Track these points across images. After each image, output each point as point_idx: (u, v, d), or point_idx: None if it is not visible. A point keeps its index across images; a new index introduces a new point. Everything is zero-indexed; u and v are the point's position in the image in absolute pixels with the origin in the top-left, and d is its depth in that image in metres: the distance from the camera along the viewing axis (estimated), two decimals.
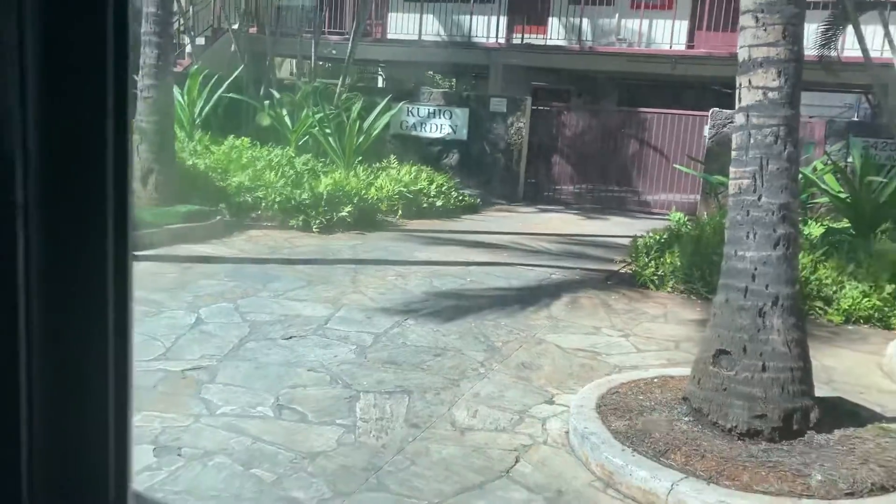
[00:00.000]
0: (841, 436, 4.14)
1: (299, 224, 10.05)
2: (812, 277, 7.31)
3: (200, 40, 17.54)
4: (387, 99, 14.41)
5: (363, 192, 11.21)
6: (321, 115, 13.60)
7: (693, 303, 7.59)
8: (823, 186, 9.66)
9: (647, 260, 8.18)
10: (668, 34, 16.07)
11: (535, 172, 15.26)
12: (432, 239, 10.23)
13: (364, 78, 20.63)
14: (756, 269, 4.25)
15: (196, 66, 14.30)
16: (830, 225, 9.43)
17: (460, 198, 13.09)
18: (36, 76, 0.68)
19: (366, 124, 13.63)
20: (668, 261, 8.01)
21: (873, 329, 7.03)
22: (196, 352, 5.27)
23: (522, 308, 6.97)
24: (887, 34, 10.78)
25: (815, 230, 8.97)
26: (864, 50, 10.42)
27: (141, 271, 7.34)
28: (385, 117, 14.03)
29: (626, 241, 9.44)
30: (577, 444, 4.17)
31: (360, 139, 13.44)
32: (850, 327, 7.06)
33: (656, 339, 6.34)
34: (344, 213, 10.34)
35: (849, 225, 9.25)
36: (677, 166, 13.38)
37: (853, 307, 7.11)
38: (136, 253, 8.09)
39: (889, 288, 7.18)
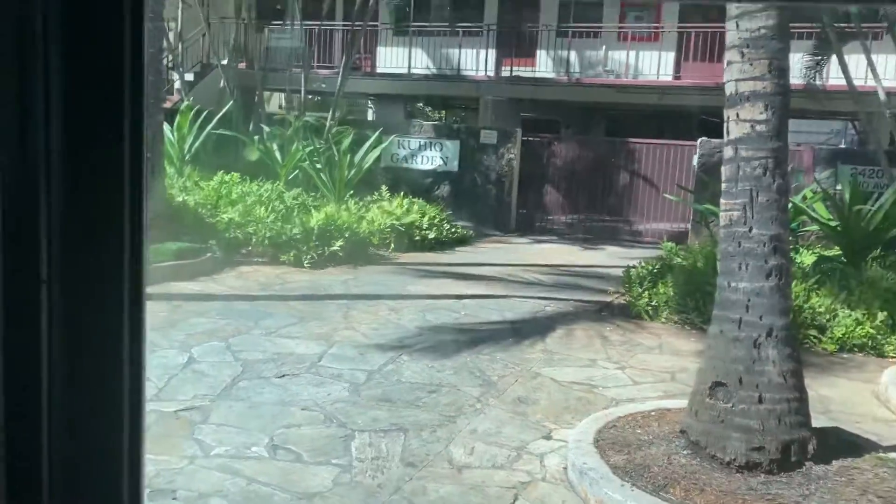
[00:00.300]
0: (839, 467, 4.12)
1: (290, 259, 10.03)
2: (805, 306, 7.33)
3: (189, 76, 17.63)
4: (377, 132, 14.48)
5: (355, 225, 11.20)
6: (311, 148, 13.64)
7: (688, 333, 7.58)
8: (814, 215, 9.73)
9: (640, 290, 8.19)
10: (655, 65, 16.28)
11: (526, 203, 15.33)
12: (425, 272, 10.22)
13: (354, 111, 20.75)
14: (749, 300, 4.26)
15: (186, 103, 14.36)
16: (822, 253, 9.48)
17: (452, 230, 13.10)
18: (59, 175, 0.71)
19: (357, 157, 13.67)
20: (662, 291, 8.02)
21: (867, 357, 7.04)
22: (189, 392, 5.22)
23: (517, 341, 6.95)
24: (870, 63, 10.96)
25: (806, 258, 9.02)
26: (849, 79, 10.58)
27: None
28: (376, 150, 14.09)
29: (619, 272, 9.46)
30: (576, 479, 4.13)
31: (352, 172, 13.47)
32: (844, 355, 7.06)
33: (652, 371, 6.32)
34: (335, 248, 10.32)
35: (840, 252, 9.30)
36: (667, 195, 13.47)
37: (847, 335, 7.12)
38: None
39: (881, 315, 7.20)
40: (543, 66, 17.42)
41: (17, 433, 0.74)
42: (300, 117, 14.85)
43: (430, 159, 15.52)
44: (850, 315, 7.24)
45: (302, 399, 5.21)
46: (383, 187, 13.98)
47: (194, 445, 4.38)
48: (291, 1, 16.33)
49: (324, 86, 16.75)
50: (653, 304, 8.00)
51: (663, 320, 7.91)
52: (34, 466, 0.74)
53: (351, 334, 6.90)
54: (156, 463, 4.11)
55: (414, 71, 18.00)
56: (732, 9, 4.43)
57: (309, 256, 10.06)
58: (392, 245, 11.68)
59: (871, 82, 11.33)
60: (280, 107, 20.37)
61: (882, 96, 10.62)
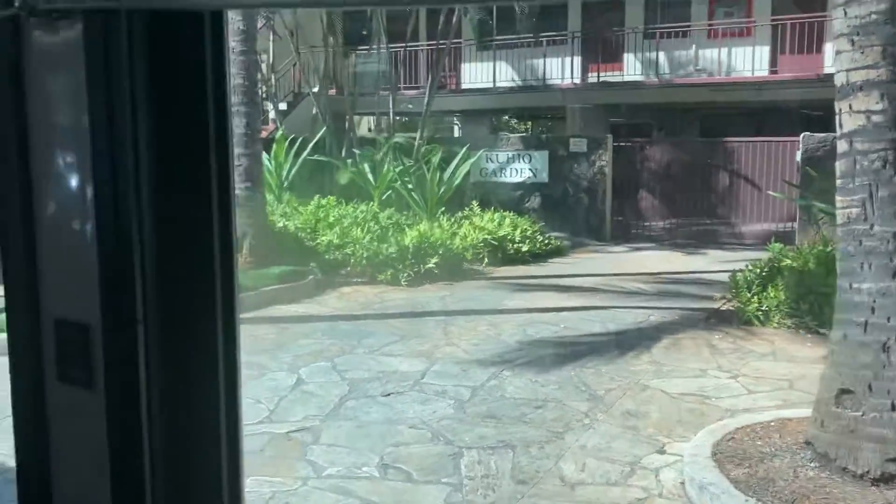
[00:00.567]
0: None
1: (388, 278, 10.15)
2: None
3: (283, 105, 18.23)
4: (465, 148, 14.55)
5: (448, 242, 11.25)
6: (402, 168, 13.82)
7: (803, 338, 7.22)
8: None
9: (749, 295, 7.86)
10: (749, 61, 15.74)
11: (621, 210, 15.04)
12: (521, 286, 10.15)
13: (441, 129, 20.95)
14: (875, 301, 4.00)
15: (281, 132, 14.84)
16: None
17: (546, 241, 12.98)
18: (150, 218, 0.73)
19: (446, 174, 13.77)
20: (773, 295, 7.67)
21: None
22: (299, 412, 5.33)
23: (622, 353, 6.78)
24: None
25: None
26: None
27: (242, 334, 7.51)
28: (465, 166, 14.15)
29: (723, 277, 9.11)
30: (695, 495, 3.97)
31: (442, 190, 13.57)
32: None
33: (767, 379, 6.03)
34: (431, 265, 10.39)
35: None
36: (772, 193, 12.93)
37: None
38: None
39: None
40: (631, 69, 17.12)
41: (121, 468, 0.75)
42: (390, 138, 15.08)
43: (520, 171, 15.46)
44: None
45: (408, 417, 5.23)
46: (474, 202, 14.02)
47: (307, 466, 4.46)
48: (376, 25, 16.66)
49: (411, 106, 16.98)
50: (763, 308, 7.66)
51: (775, 325, 7.56)
52: (138, 499, 0.75)
53: (452, 350, 6.90)
54: (271, 485, 4.20)
55: (499, 84, 18.02)
56: None
57: (405, 274, 10.16)
58: (486, 260, 11.67)
59: None
60: (369, 130, 20.78)
61: None
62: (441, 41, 15.75)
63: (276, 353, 6.79)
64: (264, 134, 15.61)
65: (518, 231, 12.58)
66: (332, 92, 17.66)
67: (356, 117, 17.98)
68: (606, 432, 4.94)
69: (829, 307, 4.32)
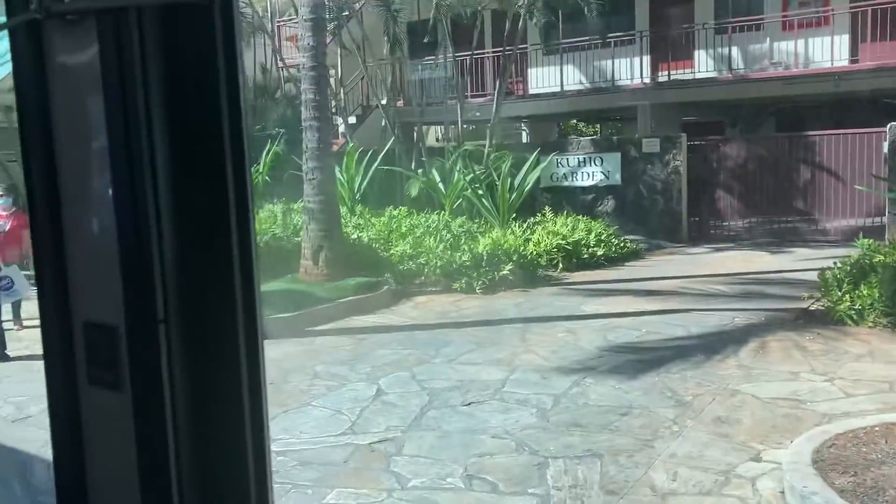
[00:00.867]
0: None
1: (462, 287, 10.12)
2: None
3: (352, 119, 18.47)
4: (535, 153, 14.43)
5: (521, 248, 11.17)
6: (472, 176, 13.81)
7: None
8: None
9: (840, 293, 7.51)
10: (828, 51, 15.12)
11: (697, 210, 14.64)
12: (598, 290, 9.97)
13: (509, 135, 20.85)
14: None
15: (351, 144, 15.02)
16: None
17: (621, 245, 12.74)
18: (170, 219, 0.74)
19: (517, 181, 13.69)
20: (866, 292, 7.31)
21: None
22: (381, 423, 5.33)
23: (708, 357, 6.56)
24: None
25: None
26: None
27: (320, 345, 7.62)
28: (535, 171, 14.05)
29: (808, 275, 8.75)
30: None
31: (513, 196, 13.50)
32: None
33: (866, 382, 5.73)
34: (505, 272, 10.32)
35: None
36: (859, 187, 12.38)
37: None
38: (314, 328, 8.33)
39: None
40: (703, 66, 16.68)
41: (149, 470, 0.76)
42: (458, 147, 15.09)
43: (591, 175, 15.25)
44: None
45: (491, 426, 5.17)
46: (546, 207, 13.89)
47: (391, 478, 4.44)
48: (442, 35, 16.72)
49: (478, 114, 16.96)
50: (856, 307, 7.31)
51: (870, 324, 7.20)
52: (165, 499, 0.77)
53: (531, 358, 6.81)
54: (356, 497, 4.20)
55: (566, 88, 17.82)
56: None
57: (480, 282, 10.11)
58: (560, 265, 11.52)
59: None
60: (437, 139, 20.86)
61: None
62: (507, 47, 15.69)
63: (355, 364, 6.82)
64: (335, 147, 15.86)
65: (592, 235, 12.40)
66: (400, 103, 17.80)
67: (424, 127, 18.07)
68: (697, 439, 4.77)
69: None
